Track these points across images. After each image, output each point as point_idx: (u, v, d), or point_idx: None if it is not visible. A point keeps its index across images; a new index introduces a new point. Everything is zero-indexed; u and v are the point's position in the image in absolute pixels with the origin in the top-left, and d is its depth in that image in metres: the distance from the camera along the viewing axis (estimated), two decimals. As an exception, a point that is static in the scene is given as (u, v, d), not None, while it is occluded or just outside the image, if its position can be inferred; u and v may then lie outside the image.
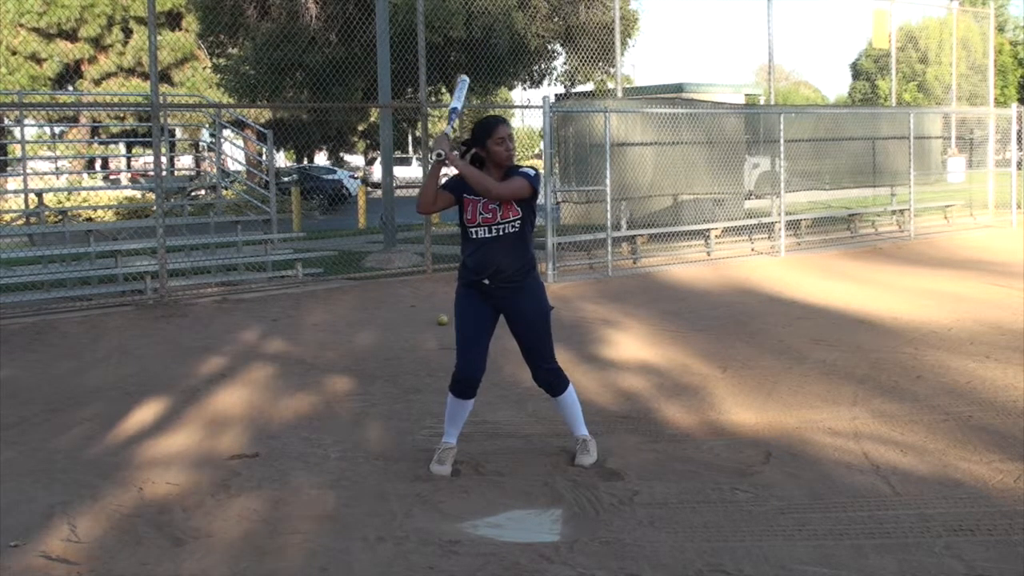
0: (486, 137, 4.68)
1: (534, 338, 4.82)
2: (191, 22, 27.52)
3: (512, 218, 4.68)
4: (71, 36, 28.16)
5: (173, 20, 28.93)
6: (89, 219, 17.06)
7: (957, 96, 22.66)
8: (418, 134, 24.28)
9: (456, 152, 4.69)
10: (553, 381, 4.90)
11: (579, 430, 4.99)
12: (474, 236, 4.71)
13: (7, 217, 14.44)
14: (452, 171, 4.71)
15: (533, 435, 5.48)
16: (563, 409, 4.99)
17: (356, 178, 34.61)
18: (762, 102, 22.74)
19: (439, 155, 4.62)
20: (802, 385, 6.53)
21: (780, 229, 14.08)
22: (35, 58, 28.07)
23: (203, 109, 18.88)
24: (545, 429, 5.53)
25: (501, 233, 4.68)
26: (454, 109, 4.89)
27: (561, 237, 12.47)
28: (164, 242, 10.40)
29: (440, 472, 4.80)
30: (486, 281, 4.72)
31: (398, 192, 16.62)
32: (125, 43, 29.12)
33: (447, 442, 4.91)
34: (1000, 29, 39.42)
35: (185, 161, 27.61)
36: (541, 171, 12.05)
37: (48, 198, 15.46)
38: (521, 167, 4.74)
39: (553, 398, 4.98)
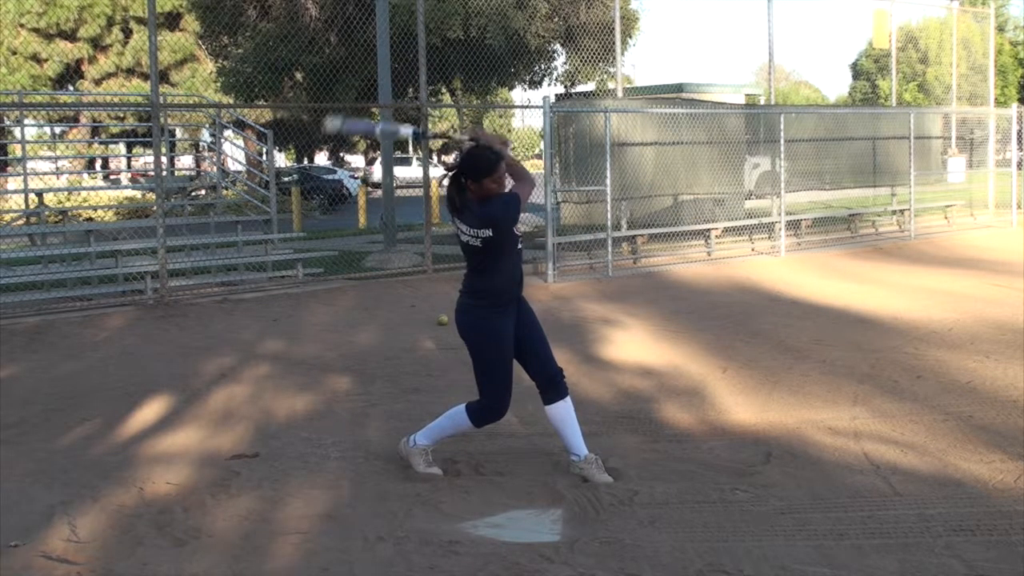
0: (485, 176, 4.54)
1: (542, 336, 4.79)
2: (191, 22, 27.50)
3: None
4: (71, 36, 28.15)
5: (173, 20, 28.92)
6: (89, 219, 17.06)
7: (957, 96, 22.64)
8: (418, 134, 24.22)
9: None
10: (562, 381, 4.78)
11: (583, 448, 4.76)
12: (517, 248, 4.67)
13: (7, 217, 14.43)
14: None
15: (533, 435, 5.48)
16: (565, 418, 4.77)
17: (356, 178, 34.60)
18: (762, 102, 22.74)
19: (470, 139, 4.67)
20: (802, 385, 6.52)
21: (780, 229, 14.08)
22: (35, 58, 28.07)
23: (203, 109, 18.88)
24: (545, 429, 5.52)
25: (520, 245, 4.74)
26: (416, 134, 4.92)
27: (561, 237, 12.47)
28: (164, 242, 10.39)
29: (433, 472, 4.82)
30: (517, 296, 4.73)
31: (398, 192, 16.60)
32: (125, 43, 29.11)
33: (426, 444, 4.88)
34: (1000, 29, 39.39)
35: (185, 161, 27.60)
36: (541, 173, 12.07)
37: (48, 198, 15.45)
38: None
39: (554, 404, 4.76)
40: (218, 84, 24.41)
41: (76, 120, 26.19)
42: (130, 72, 29.34)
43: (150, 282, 10.49)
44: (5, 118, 18.56)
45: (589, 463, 4.73)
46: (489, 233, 4.52)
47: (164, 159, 14.06)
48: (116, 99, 24.16)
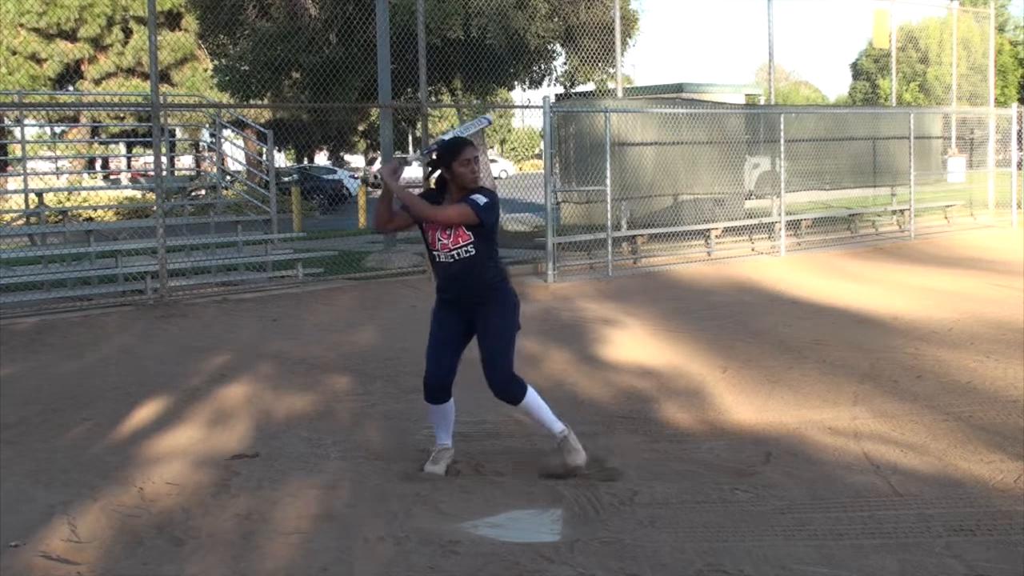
0: (452, 159, 4.64)
1: (496, 341, 4.71)
2: (191, 22, 27.50)
3: (463, 243, 4.65)
4: (71, 36, 28.12)
5: (173, 20, 28.91)
6: (89, 219, 17.05)
7: (957, 96, 22.63)
8: (418, 134, 24.31)
9: (400, 178, 4.66)
10: (512, 388, 4.75)
11: (555, 427, 4.82)
12: (437, 260, 4.75)
13: (7, 217, 14.43)
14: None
15: (533, 435, 5.48)
16: (530, 414, 4.85)
17: (356, 178, 34.59)
18: (762, 102, 22.73)
19: (375, 176, 4.75)
20: (802, 385, 6.52)
21: (780, 229, 14.08)
22: (35, 58, 28.04)
23: (203, 109, 18.88)
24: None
25: (458, 258, 4.68)
26: (456, 135, 4.80)
27: (561, 237, 12.47)
28: (164, 242, 10.39)
29: (434, 471, 4.83)
30: (456, 300, 4.77)
31: (398, 192, 16.56)
32: (125, 43, 29.08)
33: (441, 444, 4.96)
34: (1000, 29, 39.37)
35: (185, 161, 27.60)
36: (551, 180, 12.07)
37: (48, 198, 15.45)
38: (474, 192, 4.65)
39: (516, 407, 4.83)
40: (214, 81, 24.39)
41: (76, 120, 26.18)
42: (130, 72, 29.32)
43: (150, 282, 10.49)
44: (5, 118, 18.56)
45: (558, 442, 4.80)
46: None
47: (164, 159, 14.05)
48: (116, 99, 24.15)
